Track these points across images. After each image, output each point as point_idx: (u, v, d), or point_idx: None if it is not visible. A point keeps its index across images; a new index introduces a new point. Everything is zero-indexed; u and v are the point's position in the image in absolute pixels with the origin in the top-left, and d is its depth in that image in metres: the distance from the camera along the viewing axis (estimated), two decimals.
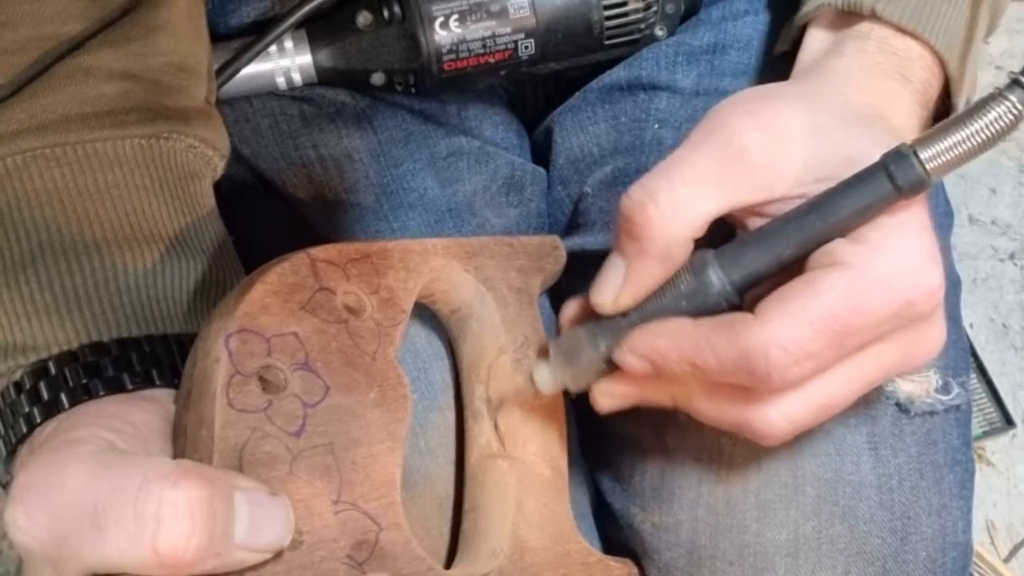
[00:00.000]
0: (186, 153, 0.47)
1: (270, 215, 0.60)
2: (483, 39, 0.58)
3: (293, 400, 0.39)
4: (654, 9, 0.60)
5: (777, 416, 0.40)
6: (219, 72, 0.56)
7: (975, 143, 0.37)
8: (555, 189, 0.64)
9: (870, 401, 0.51)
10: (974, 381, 1.25)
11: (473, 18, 0.58)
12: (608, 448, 0.57)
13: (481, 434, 0.49)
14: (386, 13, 0.58)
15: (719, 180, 0.40)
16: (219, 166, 0.50)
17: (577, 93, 0.64)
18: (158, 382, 0.42)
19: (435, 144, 0.62)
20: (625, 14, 0.59)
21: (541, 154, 0.66)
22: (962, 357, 0.55)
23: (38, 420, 0.40)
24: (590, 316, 0.44)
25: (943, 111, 0.51)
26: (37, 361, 0.41)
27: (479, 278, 0.48)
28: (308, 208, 0.59)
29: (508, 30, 0.58)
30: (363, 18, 0.58)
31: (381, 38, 0.58)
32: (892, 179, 0.38)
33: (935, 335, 0.41)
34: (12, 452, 0.41)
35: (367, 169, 0.59)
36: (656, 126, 0.60)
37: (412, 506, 0.51)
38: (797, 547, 0.50)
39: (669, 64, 0.61)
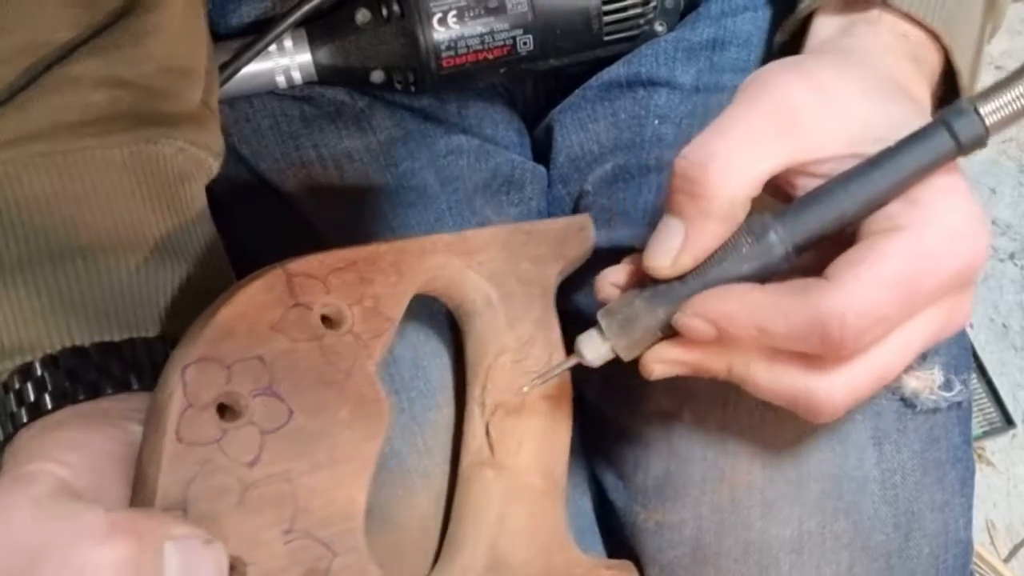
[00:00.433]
0: (176, 157, 0.47)
1: (270, 215, 0.60)
2: (481, 35, 0.58)
3: (250, 429, 0.39)
4: (653, 4, 0.60)
5: (840, 386, 0.39)
6: (219, 71, 0.56)
7: None
8: (555, 187, 0.64)
9: (874, 396, 0.51)
10: (974, 381, 1.25)
11: (471, 14, 0.58)
12: (611, 445, 0.57)
13: (473, 438, 0.48)
14: (384, 11, 0.58)
15: (776, 136, 0.40)
16: (213, 166, 0.50)
17: (577, 91, 0.64)
18: (136, 386, 0.42)
19: (435, 143, 0.62)
20: (624, 9, 0.59)
21: (541, 152, 0.66)
22: (963, 355, 0.55)
23: (24, 420, 0.41)
24: (640, 284, 0.42)
25: (944, 101, 0.50)
26: (23, 363, 0.42)
27: (484, 274, 0.47)
28: (308, 208, 0.59)
29: (506, 26, 0.58)
30: (362, 16, 0.58)
31: (380, 35, 0.58)
32: (954, 136, 0.38)
33: (968, 300, 0.41)
34: (2, 447, 0.42)
35: (367, 169, 0.59)
36: (656, 122, 0.60)
37: (409, 505, 0.51)
38: (801, 543, 0.50)
39: (668, 60, 0.61)
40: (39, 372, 0.41)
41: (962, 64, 0.49)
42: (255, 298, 0.40)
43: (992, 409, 1.25)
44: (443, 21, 0.57)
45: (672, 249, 0.40)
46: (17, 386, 0.41)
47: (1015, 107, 0.38)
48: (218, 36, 0.59)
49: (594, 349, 0.43)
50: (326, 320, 0.42)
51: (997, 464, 1.26)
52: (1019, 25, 1.48)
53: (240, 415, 0.39)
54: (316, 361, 0.41)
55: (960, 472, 0.53)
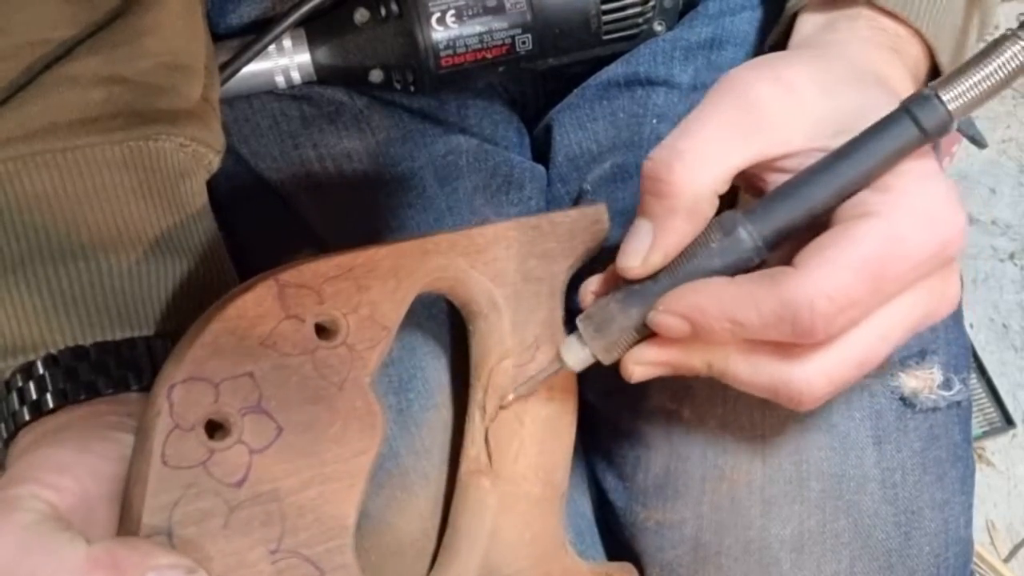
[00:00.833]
0: (176, 153, 0.47)
1: (269, 215, 0.60)
2: (480, 34, 0.58)
3: (239, 448, 0.39)
4: (652, 4, 0.60)
5: (818, 373, 0.39)
6: (219, 71, 0.56)
7: (992, 83, 0.38)
8: (555, 187, 0.64)
9: (874, 396, 0.51)
10: (974, 381, 1.25)
11: (470, 13, 0.58)
12: (611, 445, 0.56)
13: (472, 444, 0.48)
14: (383, 10, 0.58)
15: (739, 133, 0.41)
16: (214, 161, 0.50)
17: (575, 90, 0.64)
18: (134, 386, 0.42)
19: (434, 143, 0.61)
20: (623, 8, 0.59)
21: (540, 152, 0.66)
22: (963, 355, 0.55)
23: (26, 419, 0.41)
24: (617, 287, 0.43)
25: None
26: (26, 362, 0.42)
27: (489, 274, 0.46)
28: (307, 208, 0.59)
29: (505, 25, 0.58)
30: (360, 15, 0.58)
31: (378, 35, 0.58)
32: (917, 122, 0.38)
33: (955, 285, 0.41)
34: (6, 443, 0.42)
35: (366, 168, 0.59)
36: (655, 121, 0.60)
37: (407, 506, 0.50)
38: (802, 542, 0.50)
39: (666, 60, 0.61)
40: (40, 371, 0.41)
41: (943, 55, 0.49)
42: (245, 312, 0.39)
43: (992, 409, 1.26)
44: (442, 20, 0.57)
45: (642, 249, 0.41)
46: (20, 384, 0.41)
47: (977, 92, 0.38)
48: (217, 36, 0.59)
49: (575, 354, 0.43)
50: (320, 330, 0.42)
51: (997, 464, 1.26)
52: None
53: (229, 433, 0.39)
54: (307, 375, 0.41)
55: (960, 471, 0.53)
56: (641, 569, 0.53)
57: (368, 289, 0.43)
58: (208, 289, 0.46)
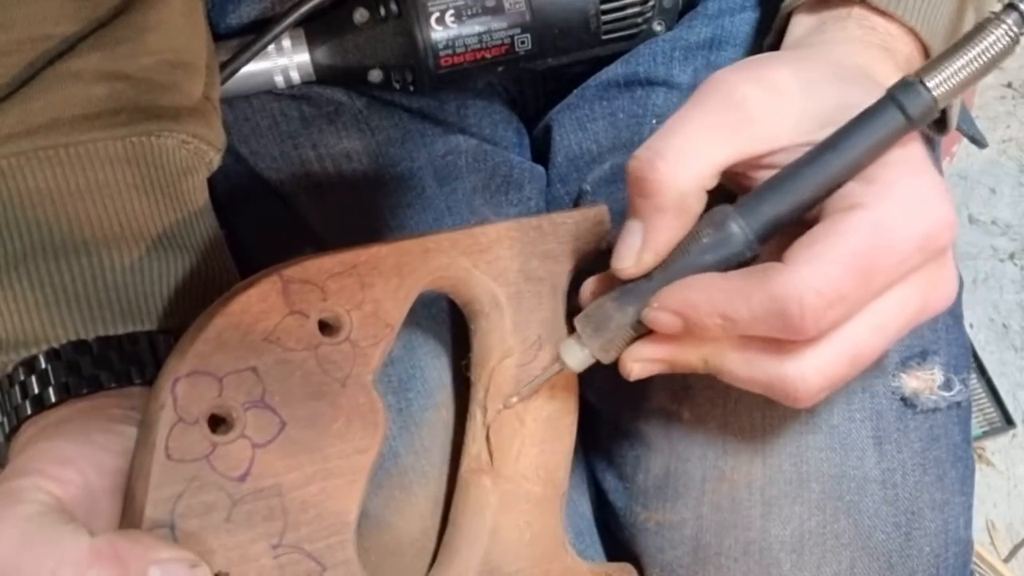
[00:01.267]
0: (178, 150, 0.47)
1: (269, 215, 0.60)
2: (479, 34, 0.58)
3: (242, 442, 0.39)
4: (651, 4, 0.60)
5: (811, 368, 0.39)
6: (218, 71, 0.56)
7: (976, 67, 0.38)
8: (554, 187, 0.64)
9: (875, 396, 0.51)
10: (974, 381, 1.25)
11: (469, 13, 0.58)
12: (611, 446, 0.56)
13: (473, 442, 0.48)
14: (382, 10, 0.58)
15: (723, 130, 0.41)
16: (215, 159, 0.51)
17: (575, 91, 0.64)
18: (136, 380, 0.42)
19: (433, 143, 0.61)
20: (622, 8, 0.59)
21: (540, 152, 0.66)
22: (963, 355, 0.55)
23: (28, 413, 0.41)
24: (613, 286, 0.43)
25: None
26: (28, 356, 0.42)
27: (491, 274, 0.46)
28: (307, 208, 0.59)
29: (504, 25, 0.58)
30: (360, 15, 0.58)
31: (378, 34, 0.58)
32: (903, 109, 0.38)
33: (950, 278, 0.41)
34: (9, 437, 0.42)
35: (365, 168, 0.59)
36: (654, 121, 0.60)
37: (407, 505, 0.50)
38: (802, 543, 0.50)
39: (666, 60, 0.61)
40: (43, 365, 0.42)
41: (938, 51, 0.49)
42: (249, 307, 0.39)
43: (992, 409, 1.26)
44: (441, 20, 0.57)
45: (634, 249, 0.41)
46: (22, 378, 0.42)
47: (961, 76, 0.38)
48: (217, 36, 0.59)
49: (574, 354, 0.43)
50: (324, 326, 0.42)
51: (997, 464, 1.26)
52: None
53: (232, 427, 0.39)
54: (311, 371, 0.41)
55: (960, 471, 0.53)
56: (641, 570, 0.53)
57: (371, 286, 0.43)
58: (210, 286, 0.46)
